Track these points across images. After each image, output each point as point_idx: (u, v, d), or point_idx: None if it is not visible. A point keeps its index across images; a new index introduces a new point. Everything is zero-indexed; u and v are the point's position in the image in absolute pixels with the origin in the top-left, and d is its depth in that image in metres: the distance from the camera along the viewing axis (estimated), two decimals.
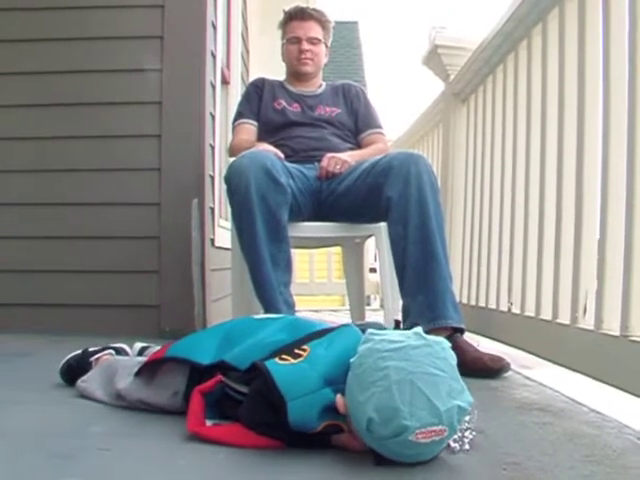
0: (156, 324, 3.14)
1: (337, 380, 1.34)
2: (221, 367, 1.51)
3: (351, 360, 1.32)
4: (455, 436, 1.36)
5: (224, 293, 3.69)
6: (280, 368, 1.37)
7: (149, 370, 1.65)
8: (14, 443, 1.38)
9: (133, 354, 2.02)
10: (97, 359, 1.91)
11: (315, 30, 2.97)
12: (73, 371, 1.89)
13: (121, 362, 1.81)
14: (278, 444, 1.35)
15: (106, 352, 1.95)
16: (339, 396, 1.31)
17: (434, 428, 1.21)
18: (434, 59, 3.98)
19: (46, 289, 3.27)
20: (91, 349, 1.96)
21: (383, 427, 1.21)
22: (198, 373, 1.54)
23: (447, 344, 1.34)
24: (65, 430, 1.49)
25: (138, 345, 2.05)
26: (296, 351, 1.41)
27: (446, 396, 1.23)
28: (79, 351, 1.95)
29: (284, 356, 1.40)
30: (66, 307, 3.23)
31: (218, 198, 3.87)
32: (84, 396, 1.77)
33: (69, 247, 3.28)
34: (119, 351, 2.01)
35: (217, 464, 1.27)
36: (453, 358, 1.32)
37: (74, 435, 1.45)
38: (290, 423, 1.29)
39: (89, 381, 1.80)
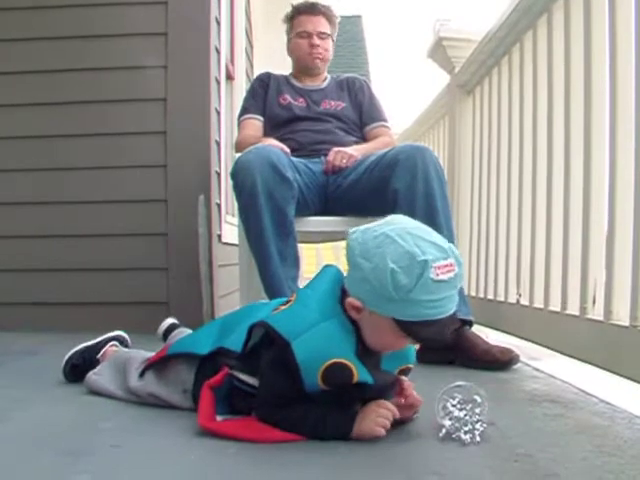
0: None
1: (332, 313, 1.37)
2: (221, 353, 1.53)
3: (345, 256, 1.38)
4: (466, 428, 1.36)
5: (232, 289, 3.70)
6: (275, 317, 1.42)
7: (156, 367, 1.66)
8: (25, 441, 1.38)
9: (160, 332, 2.07)
10: (103, 354, 1.91)
11: (324, 25, 2.98)
12: (78, 369, 1.89)
13: (132, 356, 1.80)
14: (290, 438, 1.35)
15: (110, 344, 1.96)
16: (350, 299, 1.35)
17: (446, 262, 1.28)
18: (439, 51, 3.97)
19: (53, 287, 3.28)
20: (90, 343, 1.95)
21: (406, 273, 1.26)
22: (204, 369, 1.54)
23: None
24: (75, 427, 1.49)
25: (167, 322, 2.10)
26: (286, 302, 1.47)
27: (441, 239, 1.32)
28: (78, 348, 1.93)
29: (281, 307, 1.46)
30: (74, 305, 3.24)
31: (224, 194, 3.87)
32: (92, 392, 1.78)
33: (76, 245, 3.29)
34: (120, 340, 2.02)
35: (228, 459, 1.27)
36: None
37: (84, 432, 1.45)
38: (299, 365, 1.31)
39: (100, 374, 1.80)
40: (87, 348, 1.94)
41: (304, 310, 1.39)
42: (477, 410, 1.41)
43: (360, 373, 1.33)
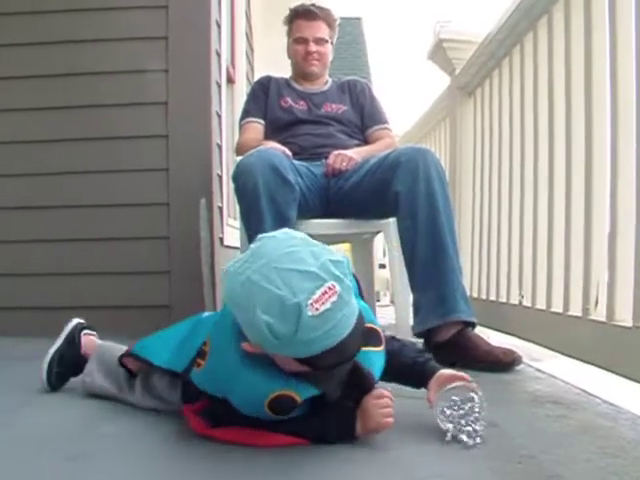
0: (168, 324, 3.14)
1: (244, 354, 1.30)
2: (172, 373, 1.52)
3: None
4: (466, 429, 1.36)
5: None
6: (200, 376, 1.38)
7: (140, 379, 1.67)
8: (28, 447, 1.39)
9: None
10: (85, 347, 1.87)
11: (322, 30, 2.97)
12: (62, 374, 1.86)
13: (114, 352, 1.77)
14: (293, 442, 1.35)
15: (84, 333, 1.91)
16: (245, 344, 1.28)
17: (322, 290, 1.19)
18: (439, 53, 3.97)
19: (55, 292, 3.28)
20: (59, 345, 1.88)
21: (282, 322, 1.17)
22: (189, 392, 1.50)
23: (290, 231, 1.33)
24: (77, 432, 1.50)
25: None
26: (204, 348, 1.40)
27: (313, 259, 1.22)
28: (52, 354, 1.85)
29: (198, 360, 1.40)
30: (76, 309, 3.17)
31: (226, 197, 3.87)
32: (92, 396, 1.78)
33: (78, 249, 3.29)
34: (86, 326, 1.96)
35: (231, 464, 1.27)
36: (301, 236, 1.31)
37: (86, 437, 1.46)
38: (245, 412, 1.31)
39: (92, 375, 1.79)
40: (62, 352, 1.86)
41: (221, 362, 1.34)
42: (476, 408, 1.40)
43: (301, 393, 1.30)
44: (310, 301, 1.17)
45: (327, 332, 1.19)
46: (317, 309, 1.17)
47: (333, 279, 1.20)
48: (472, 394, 1.42)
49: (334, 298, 1.19)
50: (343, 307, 1.21)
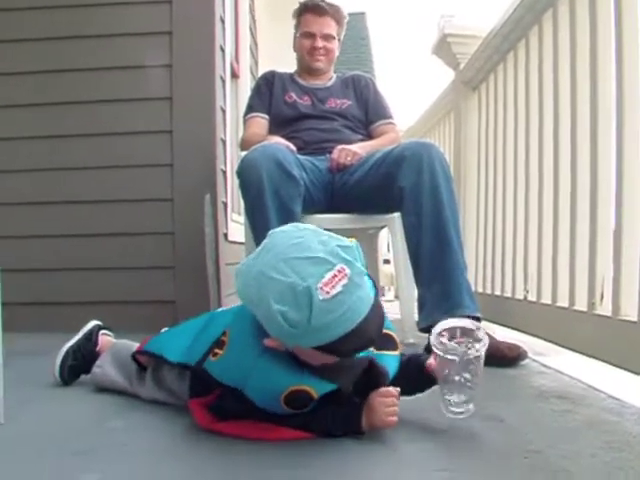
0: (173, 320, 3.15)
1: (264, 348, 1.31)
2: (183, 366, 1.52)
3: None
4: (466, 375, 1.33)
5: None
6: (216, 366, 1.38)
7: (150, 373, 1.66)
8: (35, 441, 1.39)
9: None
10: (101, 345, 1.90)
11: (330, 26, 2.97)
12: (76, 369, 1.87)
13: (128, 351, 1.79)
14: (300, 436, 1.35)
15: (101, 333, 1.94)
16: (267, 340, 1.29)
17: (332, 273, 1.19)
18: (444, 48, 3.96)
19: (60, 287, 3.29)
20: (77, 340, 1.90)
21: (296, 310, 1.18)
22: (196, 385, 1.50)
23: (300, 224, 1.34)
24: (84, 426, 1.50)
25: None
26: (222, 339, 1.40)
27: (320, 246, 1.23)
28: (67, 348, 1.87)
29: (216, 350, 1.40)
30: (81, 305, 3.25)
31: (230, 192, 3.87)
32: (99, 390, 1.79)
33: (83, 245, 3.30)
34: (103, 327, 1.98)
35: (237, 457, 1.27)
36: (311, 227, 1.31)
37: (94, 431, 1.46)
38: (260, 404, 1.31)
39: (103, 366, 1.80)
40: (79, 346, 1.89)
41: (240, 353, 1.35)
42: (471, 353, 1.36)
43: (318, 389, 1.30)
44: (320, 284, 1.18)
45: (341, 316, 1.20)
46: (328, 292, 1.18)
47: (342, 262, 1.21)
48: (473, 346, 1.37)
49: (345, 281, 1.20)
50: (355, 290, 1.21)
